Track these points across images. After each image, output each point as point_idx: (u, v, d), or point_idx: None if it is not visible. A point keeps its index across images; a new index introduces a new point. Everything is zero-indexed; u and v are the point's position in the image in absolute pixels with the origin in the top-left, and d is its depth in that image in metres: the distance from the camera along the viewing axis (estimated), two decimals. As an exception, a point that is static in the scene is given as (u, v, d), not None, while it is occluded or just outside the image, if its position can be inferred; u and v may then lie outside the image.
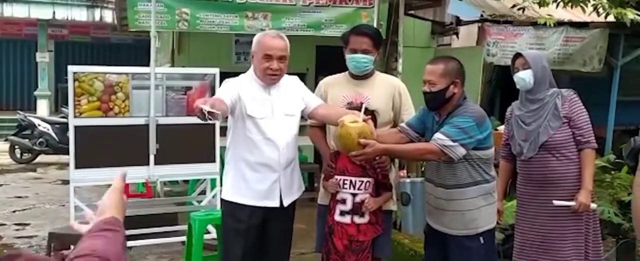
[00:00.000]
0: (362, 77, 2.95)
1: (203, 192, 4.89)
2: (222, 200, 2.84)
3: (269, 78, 2.74)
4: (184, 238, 4.02)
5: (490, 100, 7.85)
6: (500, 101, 7.83)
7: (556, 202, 2.91)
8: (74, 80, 3.98)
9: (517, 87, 3.07)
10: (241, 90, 2.69)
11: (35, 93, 13.03)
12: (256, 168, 2.73)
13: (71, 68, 4.04)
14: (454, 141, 2.52)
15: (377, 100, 2.90)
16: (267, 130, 2.70)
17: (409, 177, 4.98)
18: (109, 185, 1.37)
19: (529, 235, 3.07)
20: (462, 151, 2.54)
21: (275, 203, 2.76)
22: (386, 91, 2.95)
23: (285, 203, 2.78)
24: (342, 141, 2.55)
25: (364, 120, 2.59)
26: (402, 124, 2.87)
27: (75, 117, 3.98)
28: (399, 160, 5.09)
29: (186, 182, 5.83)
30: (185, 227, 3.99)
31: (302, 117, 2.89)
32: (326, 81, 3.09)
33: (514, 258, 3.15)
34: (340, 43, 3.03)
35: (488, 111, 7.50)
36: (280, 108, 2.74)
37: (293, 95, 2.83)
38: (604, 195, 4.08)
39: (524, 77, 2.98)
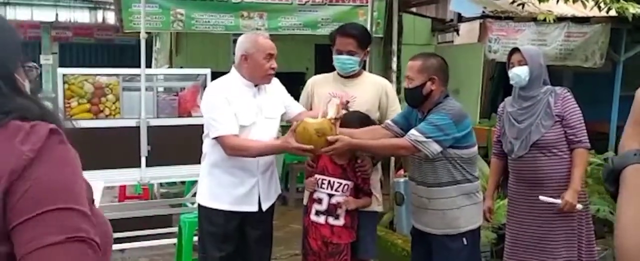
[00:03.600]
0: (350, 76, 2.95)
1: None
2: (198, 205, 2.80)
3: (270, 78, 2.74)
4: (175, 241, 3.99)
5: (493, 96, 7.77)
6: (503, 97, 7.74)
7: (542, 198, 2.86)
8: (64, 83, 3.96)
9: (511, 82, 3.02)
10: (231, 99, 2.63)
11: (40, 95, 13.08)
12: (234, 172, 2.69)
13: (60, 71, 4.03)
14: (427, 137, 2.50)
15: (364, 99, 2.90)
16: (249, 134, 2.67)
17: (405, 175, 4.94)
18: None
19: (520, 235, 3.02)
20: (436, 147, 2.52)
21: (254, 208, 2.72)
22: (373, 91, 2.94)
23: (264, 208, 2.75)
24: (299, 137, 2.51)
25: (334, 119, 2.56)
26: (388, 120, 2.84)
27: (65, 119, 3.95)
28: (394, 160, 5.04)
29: (183, 182, 5.81)
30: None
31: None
32: (314, 79, 3.10)
33: (505, 258, 3.10)
34: None
35: (491, 107, 7.45)
36: (264, 112, 2.71)
37: (276, 98, 2.82)
38: (601, 192, 4.00)
39: (519, 73, 2.93)
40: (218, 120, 2.60)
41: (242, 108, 2.65)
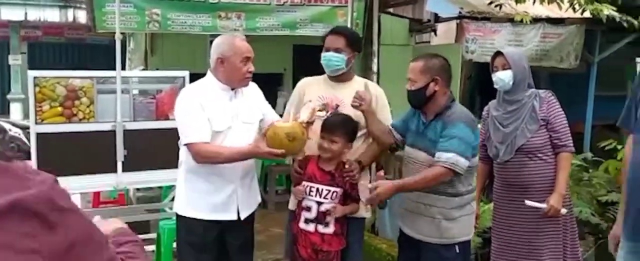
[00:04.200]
0: (340, 79, 2.89)
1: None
2: (176, 214, 2.72)
3: (247, 81, 2.67)
4: (153, 247, 3.89)
5: (470, 96, 7.83)
6: (480, 97, 7.80)
7: (528, 202, 2.85)
8: (35, 86, 3.81)
9: (495, 86, 2.99)
10: (204, 103, 2.56)
11: (8, 96, 12.72)
12: (211, 179, 2.61)
13: (31, 73, 3.87)
14: (458, 155, 2.43)
15: (349, 104, 2.81)
16: (225, 140, 2.59)
17: (386, 179, 4.91)
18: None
19: (506, 238, 3.01)
20: (465, 162, 2.46)
21: (233, 216, 2.65)
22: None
23: (243, 216, 2.68)
24: (270, 142, 2.46)
25: (306, 122, 2.53)
26: (387, 124, 2.83)
27: (36, 123, 3.81)
28: (376, 161, 5.01)
29: (161, 187, 5.67)
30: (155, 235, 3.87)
31: None
32: (305, 81, 3.03)
33: (492, 261, 3.09)
34: (319, 42, 2.97)
35: (469, 107, 7.52)
36: (240, 116, 2.63)
37: (254, 103, 2.74)
38: (582, 194, 4.03)
39: (503, 78, 2.90)
40: (189, 127, 2.54)
41: (216, 113, 2.58)
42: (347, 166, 2.72)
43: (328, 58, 2.83)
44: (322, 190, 2.69)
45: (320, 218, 2.69)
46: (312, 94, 2.89)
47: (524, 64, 2.93)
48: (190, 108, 2.56)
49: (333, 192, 2.70)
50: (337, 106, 2.81)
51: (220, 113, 2.59)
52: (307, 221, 2.70)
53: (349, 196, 2.75)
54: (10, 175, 0.84)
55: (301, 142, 2.50)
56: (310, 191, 2.70)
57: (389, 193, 2.45)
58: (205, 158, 2.54)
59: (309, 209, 2.70)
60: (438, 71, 2.59)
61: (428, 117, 2.63)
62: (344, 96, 2.84)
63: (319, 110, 2.79)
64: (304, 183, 2.72)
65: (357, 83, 2.94)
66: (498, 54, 2.98)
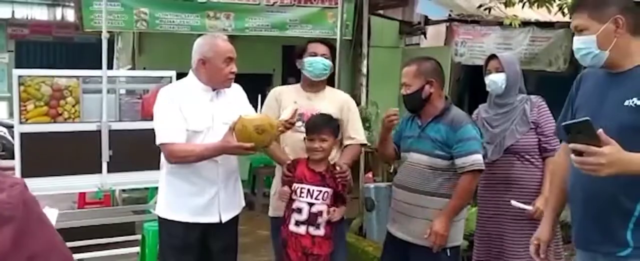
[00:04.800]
0: (314, 90, 2.97)
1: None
2: (158, 216, 2.69)
3: (229, 82, 2.65)
4: (138, 249, 3.85)
5: (459, 99, 7.84)
6: (468, 100, 7.82)
7: (514, 203, 2.85)
8: (20, 85, 3.76)
9: (488, 89, 3.00)
10: (182, 103, 2.54)
11: (-6, 95, 12.60)
12: (193, 181, 2.58)
13: (16, 72, 3.82)
14: (479, 154, 2.56)
15: (329, 112, 2.88)
16: (204, 140, 2.56)
17: (374, 181, 4.91)
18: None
19: (489, 240, 3.01)
20: (481, 158, 2.59)
21: (214, 219, 2.62)
22: (337, 105, 2.97)
23: (224, 219, 2.65)
24: (239, 135, 2.43)
25: (284, 121, 2.55)
26: (359, 133, 2.93)
27: (21, 123, 3.76)
28: (364, 163, 5.00)
29: (147, 187, 5.62)
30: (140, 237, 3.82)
31: None
32: (281, 89, 3.10)
33: (474, 263, 3.09)
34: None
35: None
36: (220, 117, 2.59)
37: (236, 105, 2.70)
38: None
39: (496, 80, 2.92)
40: (162, 127, 2.52)
41: (195, 113, 2.55)
42: (338, 168, 2.74)
43: (317, 62, 2.89)
44: (313, 190, 2.69)
45: (312, 220, 2.68)
46: (288, 101, 2.92)
47: (517, 69, 2.95)
48: (165, 108, 2.55)
49: (324, 192, 2.70)
50: (312, 116, 2.88)
51: (199, 114, 2.56)
52: (297, 223, 2.69)
53: (339, 196, 2.76)
54: None
55: (270, 135, 2.48)
56: (301, 192, 2.69)
57: (446, 226, 2.52)
58: (177, 158, 2.53)
59: (299, 211, 2.69)
60: (432, 74, 2.62)
61: (424, 120, 2.65)
62: (319, 106, 2.92)
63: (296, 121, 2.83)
64: (294, 185, 2.71)
65: (330, 92, 3.06)
66: (492, 57, 3.00)
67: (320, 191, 2.69)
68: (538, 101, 2.94)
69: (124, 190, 5.41)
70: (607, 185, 1.68)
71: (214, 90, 2.64)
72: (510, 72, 2.90)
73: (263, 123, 2.43)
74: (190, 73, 2.66)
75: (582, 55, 1.86)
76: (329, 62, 2.92)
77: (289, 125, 2.58)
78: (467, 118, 2.63)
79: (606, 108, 1.82)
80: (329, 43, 3.02)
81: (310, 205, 2.69)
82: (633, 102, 1.75)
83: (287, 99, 2.94)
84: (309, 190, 2.69)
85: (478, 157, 2.53)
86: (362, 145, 3.08)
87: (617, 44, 1.80)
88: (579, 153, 1.59)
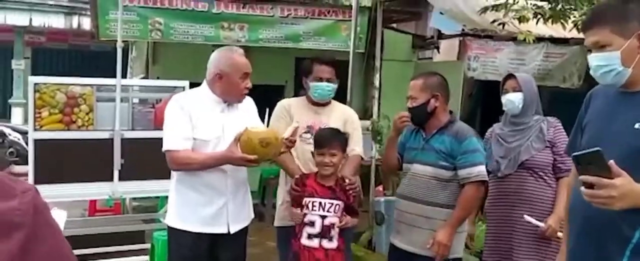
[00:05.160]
0: (322, 104, 3.09)
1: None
2: (167, 226, 2.71)
3: (243, 96, 2.69)
4: (147, 258, 3.85)
5: (471, 114, 7.80)
6: (480, 115, 7.77)
7: (527, 217, 2.83)
8: (35, 92, 3.80)
9: (504, 108, 3.01)
10: (193, 111, 2.56)
11: (10, 101, 12.75)
12: (202, 191, 2.59)
13: (31, 79, 3.87)
14: (483, 165, 2.61)
15: (335, 126, 2.98)
16: (215, 150, 2.58)
17: (384, 194, 4.88)
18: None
19: (499, 256, 2.98)
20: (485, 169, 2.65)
21: (223, 230, 2.63)
22: (341, 118, 3.09)
23: (232, 230, 2.65)
24: (243, 147, 2.45)
25: (285, 139, 2.57)
26: (359, 145, 3.02)
27: (35, 129, 3.79)
28: (375, 176, 4.98)
29: (157, 196, 5.64)
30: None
31: None
32: (289, 102, 3.17)
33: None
34: (322, 55, 3.09)
35: (469, 125, 7.51)
36: (231, 128, 2.61)
37: (247, 117, 2.72)
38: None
39: (513, 100, 2.92)
40: (168, 135, 2.56)
41: (205, 122, 2.58)
42: (347, 180, 2.77)
43: (322, 88, 3.02)
44: (325, 203, 2.71)
45: (325, 232, 2.70)
46: (297, 116, 3.02)
47: (534, 89, 2.96)
48: (174, 115, 2.58)
49: (335, 205, 2.72)
50: (321, 129, 2.96)
51: (209, 123, 2.59)
52: (310, 236, 2.69)
53: (351, 209, 2.78)
54: None
55: (274, 148, 2.50)
56: (313, 206, 2.71)
57: (449, 237, 2.54)
58: (179, 165, 2.55)
59: (312, 224, 2.70)
60: (438, 88, 2.68)
61: (428, 132, 2.71)
62: (327, 120, 3.03)
63: (304, 132, 2.95)
64: (305, 199, 2.71)
65: (335, 106, 3.16)
66: (510, 76, 3.02)
67: (332, 203, 2.71)
68: (554, 122, 2.95)
69: (134, 199, 5.43)
70: (607, 210, 1.59)
71: (225, 102, 2.65)
72: (527, 91, 2.91)
73: (268, 137, 2.45)
74: (204, 84, 2.68)
75: (603, 72, 1.74)
76: (334, 85, 3.06)
77: (289, 143, 2.61)
78: (472, 131, 2.68)
79: (614, 129, 1.74)
80: (332, 62, 3.11)
81: (323, 217, 2.70)
82: None
83: (296, 112, 3.03)
84: (320, 203, 2.70)
85: (482, 169, 2.59)
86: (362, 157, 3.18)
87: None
88: (590, 185, 1.52)
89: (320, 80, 3.02)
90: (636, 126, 1.67)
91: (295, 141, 2.66)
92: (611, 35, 1.71)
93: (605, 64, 1.73)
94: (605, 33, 1.72)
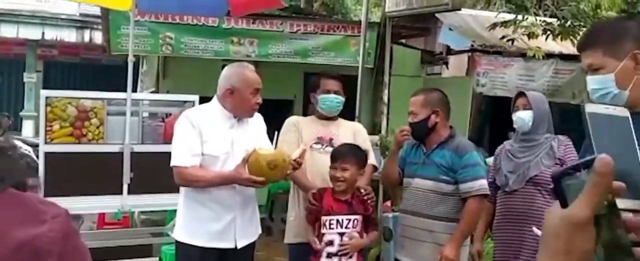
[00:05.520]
0: (329, 119, 3.14)
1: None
2: (175, 240, 2.72)
3: (254, 112, 2.73)
4: (155, 272, 3.85)
5: (480, 130, 7.77)
6: (489, 131, 7.75)
7: (535, 230, 2.80)
8: (46, 105, 3.84)
9: (515, 126, 3.01)
10: (203, 127, 2.59)
11: (21, 113, 12.86)
12: (210, 206, 2.61)
13: (43, 93, 3.91)
14: (484, 178, 2.66)
15: (345, 138, 3.04)
16: (224, 165, 2.60)
17: (392, 210, 4.86)
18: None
19: None
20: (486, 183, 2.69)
21: (230, 245, 2.63)
22: (349, 131, 3.15)
23: (239, 245, 2.66)
24: (251, 168, 2.47)
25: (293, 160, 2.58)
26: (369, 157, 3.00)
27: (46, 142, 3.82)
28: (383, 191, 4.97)
29: (165, 210, 5.64)
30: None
31: None
32: (297, 119, 3.23)
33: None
34: (331, 70, 3.13)
35: (477, 141, 7.48)
36: (240, 143, 2.62)
37: (256, 133, 2.75)
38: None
39: (523, 117, 2.93)
40: (178, 150, 2.58)
41: (214, 138, 2.60)
42: (363, 191, 2.79)
43: (330, 100, 3.06)
44: (343, 220, 2.72)
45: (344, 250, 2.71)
46: (306, 130, 3.07)
47: (545, 107, 2.97)
48: (184, 131, 2.60)
49: (354, 220, 2.74)
50: (331, 140, 3.01)
51: (218, 139, 2.61)
52: (329, 255, 2.70)
53: (370, 220, 2.80)
54: (24, 207, 0.80)
55: (282, 171, 2.52)
56: (330, 224, 2.70)
57: (457, 252, 2.58)
58: (186, 181, 2.58)
59: (331, 243, 2.70)
60: (438, 104, 2.74)
61: (429, 147, 2.75)
62: (336, 132, 3.08)
63: (315, 143, 3.00)
64: (322, 217, 2.71)
65: (342, 121, 3.21)
66: (521, 94, 3.04)
67: (350, 219, 2.73)
68: (565, 140, 2.95)
69: (142, 212, 5.44)
70: None
71: (235, 117, 2.67)
72: (537, 109, 2.92)
73: (276, 159, 2.47)
74: (214, 99, 2.70)
75: (599, 95, 1.68)
76: (341, 98, 3.10)
77: (297, 165, 2.62)
78: (472, 146, 2.73)
79: None
80: (339, 77, 3.18)
81: (341, 234, 2.70)
82: None
83: (304, 127, 3.07)
84: (338, 220, 2.71)
85: (483, 182, 2.63)
86: (375, 167, 3.22)
87: (638, 81, 1.63)
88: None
89: (328, 92, 3.06)
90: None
91: (301, 163, 2.67)
92: (604, 57, 1.64)
93: (600, 87, 1.67)
94: (598, 55, 1.66)
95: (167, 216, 5.49)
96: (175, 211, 5.18)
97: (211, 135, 2.59)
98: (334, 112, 3.12)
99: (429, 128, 2.72)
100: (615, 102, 1.68)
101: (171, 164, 2.58)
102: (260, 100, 2.67)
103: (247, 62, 3.05)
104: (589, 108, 0.67)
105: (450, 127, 2.79)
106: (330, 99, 3.05)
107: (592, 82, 1.70)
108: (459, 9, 5.18)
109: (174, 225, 4.83)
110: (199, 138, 2.56)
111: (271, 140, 2.78)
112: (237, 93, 2.61)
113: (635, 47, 1.62)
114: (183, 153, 2.55)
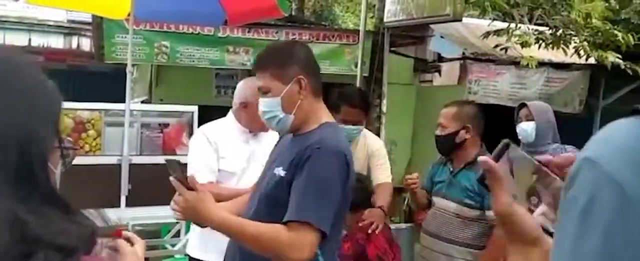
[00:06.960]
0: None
1: (177, 234, 4.65)
2: (188, 255, 2.71)
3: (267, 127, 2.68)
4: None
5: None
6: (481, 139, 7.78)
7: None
8: (43, 117, 3.77)
9: (519, 137, 2.99)
10: (219, 143, 2.56)
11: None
12: None
13: (40, 104, 3.84)
14: None
15: (358, 158, 2.88)
16: (240, 182, 2.57)
17: (392, 222, 4.85)
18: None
19: None
20: None
21: None
22: (364, 151, 3.04)
23: None
24: None
25: None
26: (387, 175, 2.95)
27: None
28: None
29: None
30: (156, 273, 3.77)
31: None
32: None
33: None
34: (326, 79, 3.04)
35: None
36: (256, 159, 2.60)
37: (271, 147, 2.72)
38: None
39: (526, 129, 2.90)
40: (193, 166, 2.53)
41: (231, 154, 2.58)
42: (360, 224, 2.60)
43: (348, 131, 2.84)
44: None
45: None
46: None
47: (548, 117, 2.93)
48: (197, 148, 2.59)
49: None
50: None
51: (234, 155, 2.59)
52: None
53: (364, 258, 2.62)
54: None
55: None
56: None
57: None
58: None
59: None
60: (470, 119, 2.60)
61: (456, 166, 2.63)
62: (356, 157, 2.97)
63: None
64: None
65: (360, 141, 3.06)
66: (523, 105, 3.00)
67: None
68: (573, 151, 2.92)
69: (136, 224, 5.36)
70: None
71: (250, 132, 2.65)
72: (540, 120, 2.88)
73: None
74: (230, 114, 2.69)
75: (267, 118, 1.74)
76: (359, 127, 2.97)
77: None
78: None
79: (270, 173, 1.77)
80: (362, 105, 3.02)
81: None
82: (278, 171, 1.68)
83: None
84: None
85: None
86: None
87: (301, 105, 1.69)
88: None
89: (347, 123, 2.87)
90: (275, 171, 1.69)
91: None
92: (271, 80, 1.69)
93: (268, 110, 1.72)
94: (266, 78, 1.71)
95: (162, 228, 5.42)
96: (171, 223, 5.12)
97: (228, 151, 2.57)
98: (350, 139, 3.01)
99: (456, 143, 2.57)
100: (282, 126, 1.75)
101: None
102: None
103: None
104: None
105: (481, 145, 2.63)
106: (348, 130, 2.85)
107: (262, 104, 1.74)
108: (460, 20, 5.17)
109: (171, 238, 4.77)
110: (215, 154, 2.54)
111: None
112: (250, 107, 2.58)
113: (300, 72, 1.67)
114: (198, 170, 2.51)
